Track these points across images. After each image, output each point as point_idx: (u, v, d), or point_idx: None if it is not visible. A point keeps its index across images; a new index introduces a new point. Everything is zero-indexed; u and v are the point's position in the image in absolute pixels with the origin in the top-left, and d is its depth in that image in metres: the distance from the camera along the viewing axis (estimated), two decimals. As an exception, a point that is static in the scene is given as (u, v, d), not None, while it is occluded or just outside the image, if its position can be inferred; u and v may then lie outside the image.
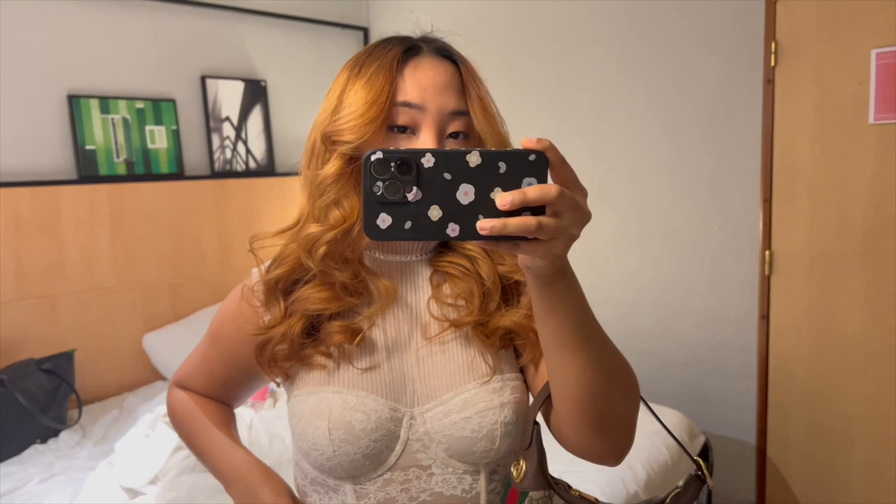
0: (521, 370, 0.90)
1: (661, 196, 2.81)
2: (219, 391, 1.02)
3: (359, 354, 0.86)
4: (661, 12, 2.71)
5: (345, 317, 0.88)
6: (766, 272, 2.53)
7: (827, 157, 2.40)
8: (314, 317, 0.87)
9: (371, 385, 0.84)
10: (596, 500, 0.88)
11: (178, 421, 1.03)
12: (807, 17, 2.39)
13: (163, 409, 2.01)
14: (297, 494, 0.93)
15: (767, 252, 2.53)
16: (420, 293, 0.90)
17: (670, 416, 2.31)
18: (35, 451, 2.35)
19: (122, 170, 2.86)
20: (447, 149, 0.66)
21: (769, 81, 2.48)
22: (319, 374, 0.86)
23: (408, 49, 0.85)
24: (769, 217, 2.52)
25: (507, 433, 0.84)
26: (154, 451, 1.85)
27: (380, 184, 0.61)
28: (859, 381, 2.40)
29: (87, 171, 2.77)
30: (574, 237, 0.63)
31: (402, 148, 0.67)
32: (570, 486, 0.86)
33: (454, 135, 0.83)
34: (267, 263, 0.92)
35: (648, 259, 2.87)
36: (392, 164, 0.61)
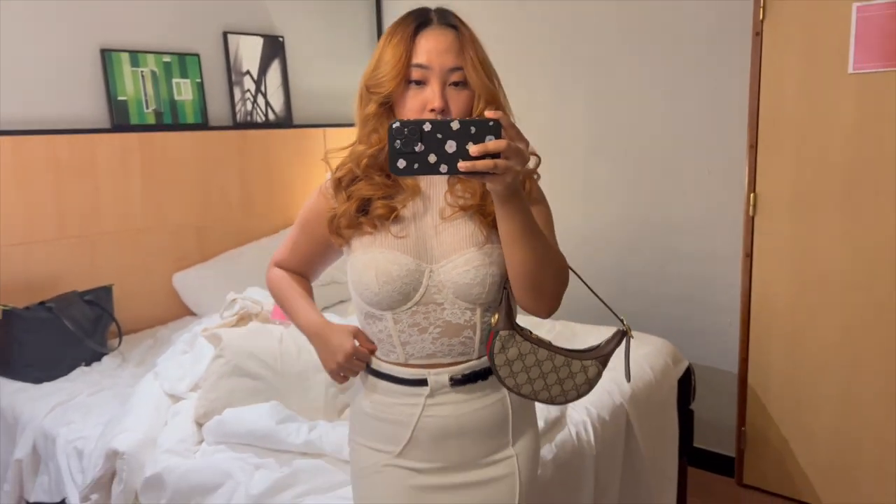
0: None
1: (655, 143, 2.99)
2: (304, 265, 1.42)
3: (394, 226, 1.24)
4: (657, -31, 2.86)
5: (384, 201, 1.26)
6: (751, 213, 2.72)
7: (811, 105, 2.57)
8: (365, 200, 1.26)
9: (402, 248, 1.23)
10: (550, 342, 1.24)
11: (274, 291, 1.43)
12: (792, -28, 2.54)
13: (200, 328, 2.23)
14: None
15: (752, 195, 2.72)
16: (439, 188, 1.29)
17: (655, 343, 2.52)
18: (82, 371, 2.60)
19: (151, 119, 3.06)
20: (438, 119, 1.05)
21: (758, 34, 2.64)
22: (369, 240, 1.25)
23: (421, 22, 1.21)
24: (755, 162, 2.70)
25: (494, 282, 1.23)
26: (194, 362, 2.08)
27: (398, 141, 1.00)
28: (836, 312, 2.60)
29: (120, 120, 2.97)
30: (518, 172, 1.01)
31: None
32: (531, 332, 1.24)
33: (455, 83, 1.19)
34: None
35: (643, 204, 3.06)
36: (405, 129, 1.00)
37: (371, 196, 1.25)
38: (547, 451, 1.88)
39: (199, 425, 1.93)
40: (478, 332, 1.24)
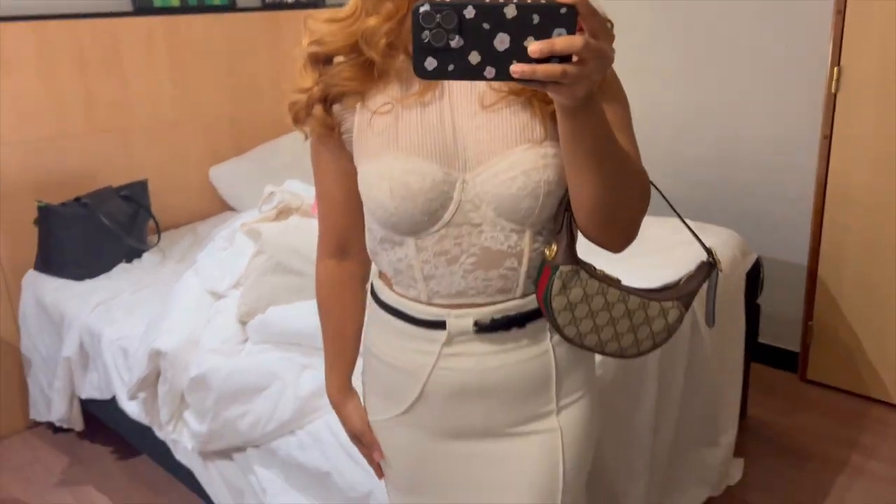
0: None
1: (723, 7, 2.69)
2: (347, 215, 1.07)
3: (418, 120, 0.92)
4: None
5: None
6: (833, 90, 2.46)
7: (910, -37, 2.25)
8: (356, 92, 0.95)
9: (425, 151, 0.91)
10: (618, 280, 0.98)
11: (317, 307, 1.15)
12: None
13: (239, 223, 2.13)
14: (371, 256, 1.05)
15: (836, 69, 2.44)
16: None
17: (722, 234, 2.35)
18: (122, 269, 2.55)
19: (175, 2, 2.86)
20: (487, 1, 0.70)
21: None
22: (378, 143, 0.94)
23: None
24: (841, 31, 2.41)
25: (550, 192, 0.91)
26: (234, 259, 1.99)
27: (427, 32, 0.69)
28: (920, 199, 2.38)
29: (142, 2, 2.78)
30: (595, 82, 0.71)
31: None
32: (595, 268, 0.97)
33: None
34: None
35: (706, 82, 2.80)
36: (437, 16, 0.69)
37: (352, 91, 0.95)
38: (608, 350, 1.77)
39: (243, 324, 1.86)
40: (524, 261, 0.94)
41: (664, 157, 2.91)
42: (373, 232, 1.01)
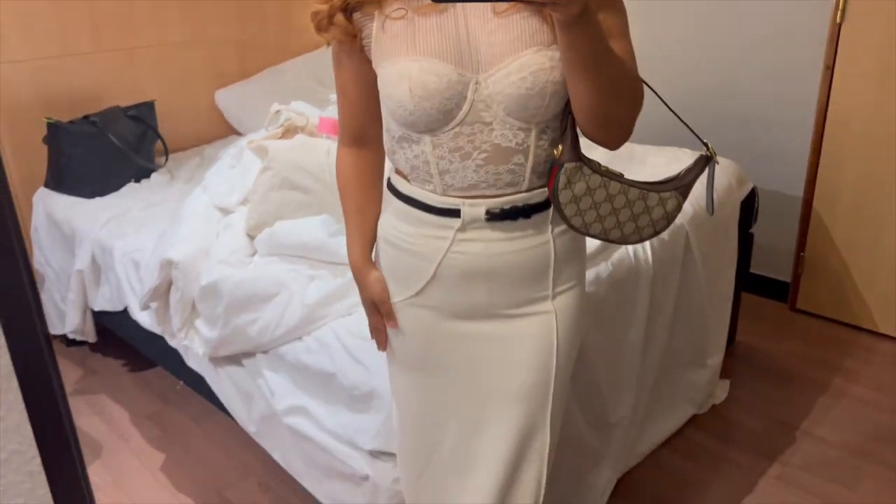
0: None
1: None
2: (364, 113, 1.15)
3: (434, 25, 1.01)
4: None
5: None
6: (838, 20, 2.46)
7: None
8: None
9: (442, 54, 1.00)
10: (621, 174, 1.07)
11: (339, 194, 1.24)
12: None
13: (245, 141, 2.17)
14: (388, 157, 1.15)
15: (842, -1, 2.43)
16: None
17: (721, 163, 2.38)
18: (132, 188, 2.60)
19: (179, -81, 2.83)
20: None
21: None
22: (396, 45, 1.02)
23: None
24: (849, -40, 2.39)
25: (556, 92, 1.00)
26: (242, 176, 2.04)
27: None
28: (918, 133, 2.41)
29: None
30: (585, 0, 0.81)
31: None
32: (600, 165, 1.07)
33: None
34: None
35: (715, 13, 2.79)
36: None
37: None
38: (603, 270, 1.83)
39: (251, 238, 1.92)
40: (530, 157, 1.05)
41: (665, 86, 2.91)
42: (391, 132, 1.09)
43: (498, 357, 1.14)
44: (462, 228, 1.07)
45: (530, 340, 1.13)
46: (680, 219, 2.11)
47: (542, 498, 1.19)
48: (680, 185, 1.10)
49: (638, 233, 1.09)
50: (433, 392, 1.19)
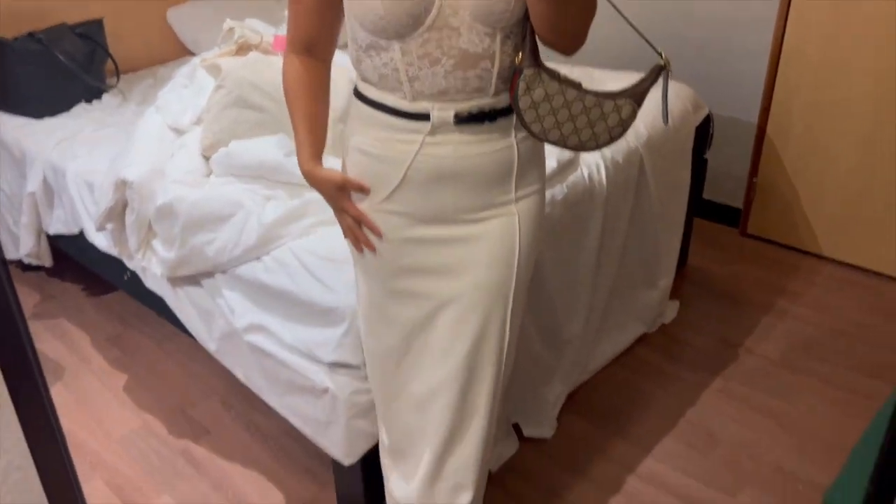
0: None
1: None
2: (319, 20, 1.16)
3: None
4: None
5: None
6: (799, -56, 2.46)
7: None
8: None
9: None
10: (579, 83, 1.11)
11: (286, 98, 1.22)
12: None
13: (198, 60, 2.12)
14: (353, 67, 1.17)
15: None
16: None
17: (674, 88, 2.39)
18: (83, 108, 2.54)
19: None
20: None
21: None
22: None
23: None
24: None
25: None
26: (195, 95, 2.00)
27: None
28: (868, 56, 2.44)
29: None
30: None
31: None
32: (559, 73, 1.10)
33: None
34: None
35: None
36: None
37: None
38: (558, 192, 1.87)
39: (206, 158, 1.90)
40: (496, 63, 1.09)
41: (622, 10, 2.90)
42: (358, 40, 1.12)
43: (464, 258, 1.19)
44: (431, 132, 1.11)
45: (494, 240, 1.19)
46: (635, 142, 2.14)
47: (498, 396, 1.27)
48: (634, 92, 1.13)
49: (594, 139, 1.13)
50: (399, 297, 1.23)
